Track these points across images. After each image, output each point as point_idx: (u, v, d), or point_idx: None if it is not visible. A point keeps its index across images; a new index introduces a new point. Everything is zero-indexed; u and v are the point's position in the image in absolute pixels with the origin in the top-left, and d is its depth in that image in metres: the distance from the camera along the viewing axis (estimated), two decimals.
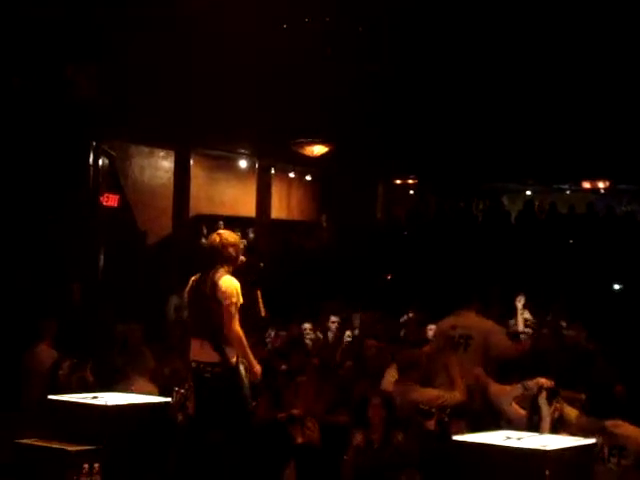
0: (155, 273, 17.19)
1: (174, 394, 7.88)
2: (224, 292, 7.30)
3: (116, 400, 7.39)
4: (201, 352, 7.39)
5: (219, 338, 7.30)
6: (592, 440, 6.45)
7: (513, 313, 11.37)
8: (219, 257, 7.47)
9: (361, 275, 17.74)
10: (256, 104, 15.71)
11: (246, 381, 7.39)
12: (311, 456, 8.29)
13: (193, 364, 7.45)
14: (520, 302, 11.44)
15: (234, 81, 15.02)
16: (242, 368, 7.39)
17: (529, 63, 14.55)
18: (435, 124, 17.30)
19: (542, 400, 7.26)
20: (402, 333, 12.31)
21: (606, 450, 6.87)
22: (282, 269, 18.82)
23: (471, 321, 9.28)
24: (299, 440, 8.44)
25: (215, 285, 7.34)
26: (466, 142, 18.30)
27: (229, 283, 7.34)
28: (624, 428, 6.87)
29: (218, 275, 7.38)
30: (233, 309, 7.29)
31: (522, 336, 10.74)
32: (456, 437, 6.26)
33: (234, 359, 7.34)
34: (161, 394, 8.18)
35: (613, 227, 18.93)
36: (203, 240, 19.19)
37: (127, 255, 17.01)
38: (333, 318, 13.11)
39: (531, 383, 7.34)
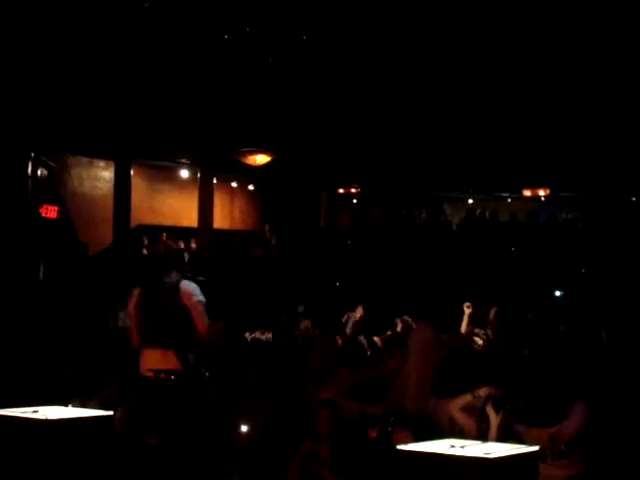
0: (96, 285, 17.01)
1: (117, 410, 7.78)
2: (190, 293, 7.25)
3: (56, 414, 7.26)
4: (161, 361, 7.30)
5: (183, 344, 7.23)
6: (536, 447, 6.46)
7: (460, 320, 11.47)
8: (170, 264, 7.41)
9: (307, 283, 17.73)
10: (197, 113, 15.62)
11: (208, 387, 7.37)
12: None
13: (147, 374, 7.34)
14: (468, 309, 11.56)
15: (175, 90, 14.93)
16: (206, 373, 7.36)
17: (468, 72, 14.63)
18: (378, 133, 17.35)
19: (489, 408, 7.28)
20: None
21: (549, 454, 6.95)
22: (226, 279, 18.72)
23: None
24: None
25: (176, 289, 7.27)
26: (408, 151, 18.37)
27: (191, 284, 7.30)
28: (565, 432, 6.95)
29: (175, 280, 7.32)
30: (203, 307, 7.26)
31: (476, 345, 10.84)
32: (399, 446, 6.23)
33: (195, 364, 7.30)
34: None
35: (555, 234, 19.11)
36: (144, 251, 19.07)
37: (67, 267, 16.81)
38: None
39: (480, 391, 7.36)
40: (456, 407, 7.57)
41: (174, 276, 7.36)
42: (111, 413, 7.54)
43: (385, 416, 8.06)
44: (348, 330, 12.54)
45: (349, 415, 8.20)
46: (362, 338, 11.82)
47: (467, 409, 7.48)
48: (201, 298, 7.31)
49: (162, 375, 7.26)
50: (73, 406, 7.85)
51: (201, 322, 7.25)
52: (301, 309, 13.54)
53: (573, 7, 11.36)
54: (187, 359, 7.23)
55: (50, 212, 17.31)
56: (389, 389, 8.81)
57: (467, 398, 7.45)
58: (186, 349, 7.25)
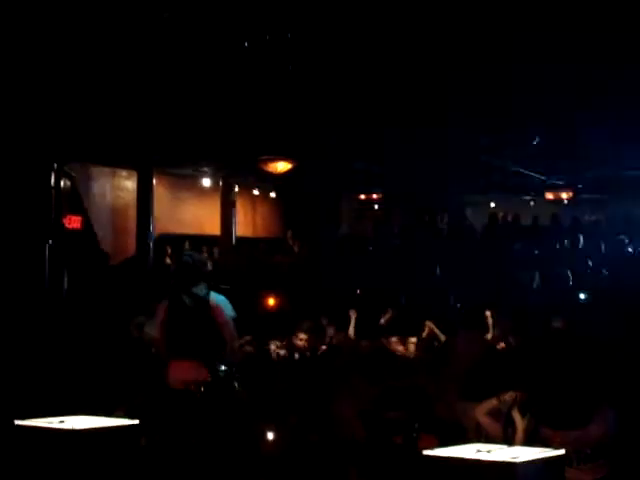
0: (119, 294, 17.07)
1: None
2: (222, 309, 7.27)
3: (83, 424, 7.29)
4: (190, 372, 7.32)
5: (212, 356, 7.25)
6: (562, 451, 6.44)
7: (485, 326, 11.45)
8: (198, 275, 7.43)
9: (331, 289, 17.71)
10: (218, 122, 15.65)
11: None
12: None
13: (177, 385, 7.36)
14: (489, 316, 11.56)
15: (196, 99, 14.98)
16: (236, 384, 7.38)
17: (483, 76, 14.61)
18: (399, 139, 17.34)
19: (515, 413, 7.27)
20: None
21: (574, 457, 6.93)
22: (250, 286, 18.72)
23: None
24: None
25: (205, 302, 7.29)
26: (429, 157, 18.35)
27: (220, 298, 7.32)
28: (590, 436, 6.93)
29: (204, 292, 7.33)
30: (233, 323, 7.29)
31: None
32: (426, 451, 6.22)
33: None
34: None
35: (579, 236, 19.04)
36: (167, 260, 19.11)
37: (91, 277, 16.88)
38: (301, 335, 13.04)
39: (506, 396, 7.35)
40: (482, 411, 7.56)
41: (202, 288, 7.37)
42: (137, 422, 7.57)
43: (409, 421, 8.06)
44: (350, 330, 12.54)
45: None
46: (393, 341, 11.73)
47: (493, 413, 7.47)
48: (231, 314, 7.33)
49: (192, 387, 7.28)
50: (109, 415, 7.86)
51: (231, 337, 7.27)
52: (325, 321, 13.51)
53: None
54: (216, 370, 7.25)
55: (73, 222, 17.39)
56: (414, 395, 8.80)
57: (493, 402, 7.45)
58: (215, 360, 7.27)
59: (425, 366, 10.04)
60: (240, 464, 7.95)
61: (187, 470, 7.46)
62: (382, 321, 12.87)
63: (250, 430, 8.58)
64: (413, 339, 11.46)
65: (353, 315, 12.57)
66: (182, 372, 7.37)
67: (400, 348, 11.32)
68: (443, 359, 10.27)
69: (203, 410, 7.35)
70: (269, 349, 12.13)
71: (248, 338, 12.31)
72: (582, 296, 16.45)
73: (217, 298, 7.37)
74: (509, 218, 21.65)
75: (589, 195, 23.17)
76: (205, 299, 7.31)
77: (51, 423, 7.22)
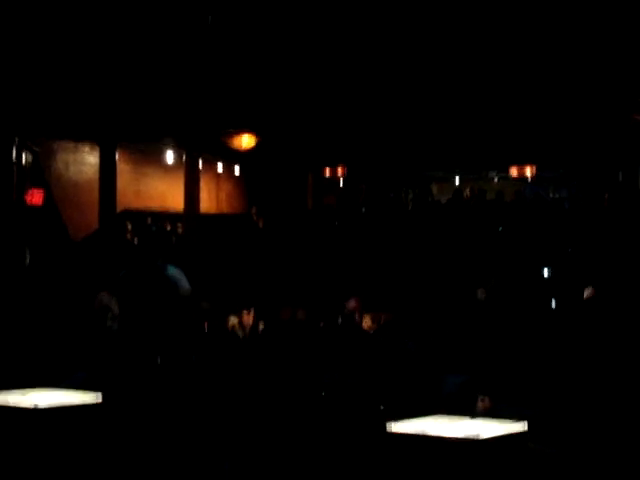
0: (82, 269, 16.96)
1: None
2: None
3: (44, 400, 7.21)
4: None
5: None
6: (524, 425, 6.47)
7: None
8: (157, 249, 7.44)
9: (296, 266, 17.68)
10: (182, 96, 15.53)
11: None
12: None
13: None
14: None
15: (159, 73, 14.85)
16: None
17: (452, 50, 14.58)
18: (363, 113, 17.29)
19: None
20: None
21: None
22: (215, 264, 18.66)
23: None
24: None
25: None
26: (394, 131, 18.32)
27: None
28: None
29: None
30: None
31: None
32: (390, 425, 6.19)
33: None
34: None
35: (541, 213, 19.11)
36: (128, 235, 18.98)
37: (53, 252, 16.74)
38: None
39: None
40: None
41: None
42: (99, 400, 7.52)
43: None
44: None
45: None
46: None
47: None
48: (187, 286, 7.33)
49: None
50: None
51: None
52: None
53: None
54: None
55: (35, 197, 17.23)
56: None
57: None
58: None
59: None
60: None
61: (148, 444, 7.43)
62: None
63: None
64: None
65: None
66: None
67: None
68: None
69: (164, 380, 7.33)
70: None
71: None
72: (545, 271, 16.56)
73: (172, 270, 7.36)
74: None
75: (552, 173, 23.27)
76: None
77: (13, 397, 7.15)
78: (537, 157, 20.49)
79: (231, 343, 10.67)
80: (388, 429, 6.06)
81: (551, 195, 23.03)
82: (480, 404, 7.46)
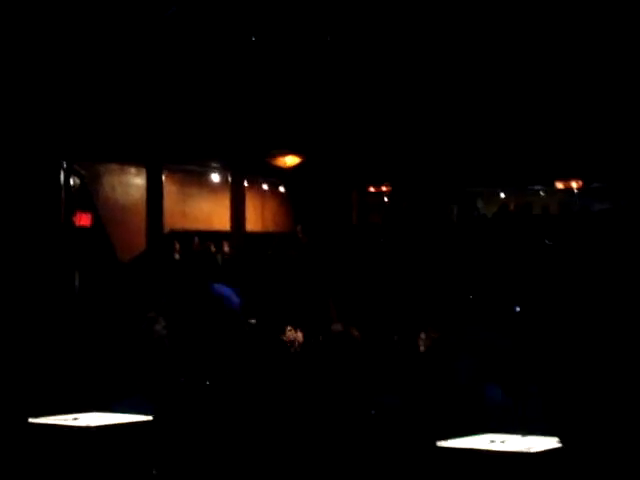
0: (130, 291, 17.08)
1: None
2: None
3: (96, 421, 7.30)
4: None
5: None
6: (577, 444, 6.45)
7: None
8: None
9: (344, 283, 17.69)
10: (227, 117, 15.63)
11: None
12: None
13: None
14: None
15: (205, 95, 14.97)
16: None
17: (498, 67, 14.57)
18: (408, 131, 17.30)
19: None
20: None
21: None
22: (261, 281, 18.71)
23: None
24: None
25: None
26: (438, 148, 18.30)
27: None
28: None
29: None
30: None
31: None
32: (440, 443, 6.22)
33: None
34: None
35: (588, 225, 18.97)
36: (176, 256, 19.10)
37: (102, 274, 16.88)
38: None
39: None
40: None
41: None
42: (150, 418, 7.57)
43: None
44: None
45: None
46: None
47: None
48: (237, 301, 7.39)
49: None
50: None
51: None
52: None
53: None
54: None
55: (83, 220, 17.39)
56: None
57: None
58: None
59: None
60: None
61: (198, 463, 7.47)
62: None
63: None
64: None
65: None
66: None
67: None
68: None
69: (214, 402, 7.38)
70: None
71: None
72: None
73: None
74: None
75: (599, 184, 23.11)
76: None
77: (65, 420, 7.23)
78: (582, 172, 20.38)
79: (282, 359, 10.72)
80: (437, 445, 6.09)
81: (597, 207, 22.83)
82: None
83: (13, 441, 8.19)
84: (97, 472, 6.87)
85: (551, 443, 6.19)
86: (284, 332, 11.05)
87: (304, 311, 14.21)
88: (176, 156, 19.43)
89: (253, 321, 12.50)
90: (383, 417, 8.06)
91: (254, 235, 22.59)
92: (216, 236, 21.02)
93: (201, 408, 7.67)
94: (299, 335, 11.42)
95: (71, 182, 16.49)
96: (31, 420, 7.38)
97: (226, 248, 21.05)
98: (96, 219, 18.06)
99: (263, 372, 10.01)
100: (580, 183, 21.12)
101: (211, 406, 7.69)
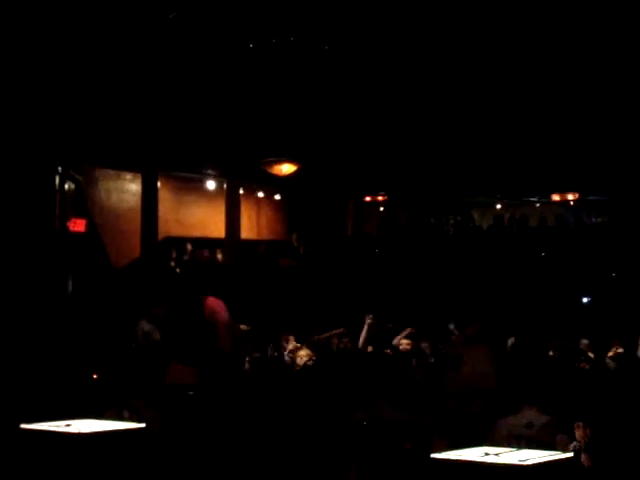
0: (124, 297, 17.05)
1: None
2: (214, 309, 7.28)
3: (89, 428, 7.24)
4: (183, 376, 7.34)
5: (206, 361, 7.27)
6: (570, 454, 6.41)
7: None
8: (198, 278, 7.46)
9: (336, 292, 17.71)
10: (222, 125, 15.62)
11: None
12: None
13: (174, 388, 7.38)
14: None
15: (200, 102, 14.95)
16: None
17: (496, 78, 14.56)
18: (404, 140, 17.30)
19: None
20: None
21: None
22: (256, 289, 18.71)
23: None
24: None
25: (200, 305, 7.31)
26: (435, 158, 18.31)
27: (216, 300, 7.32)
28: None
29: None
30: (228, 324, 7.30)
31: None
32: (435, 455, 6.18)
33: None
34: None
35: (583, 239, 19.00)
36: (172, 263, 19.09)
37: (96, 280, 16.85)
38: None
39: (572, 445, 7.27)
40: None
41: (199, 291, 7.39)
42: (143, 425, 7.53)
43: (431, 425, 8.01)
44: (361, 340, 12.27)
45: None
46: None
47: None
48: (225, 315, 7.33)
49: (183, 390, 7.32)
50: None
51: (225, 339, 7.27)
52: (341, 330, 13.41)
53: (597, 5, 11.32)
54: (209, 375, 7.27)
55: (78, 225, 17.35)
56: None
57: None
58: (208, 365, 7.28)
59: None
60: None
61: (188, 472, 7.44)
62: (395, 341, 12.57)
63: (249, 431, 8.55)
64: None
65: (368, 320, 12.31)
66: (176, 375, 7.40)
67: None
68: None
69: (200, 413, 7.35)
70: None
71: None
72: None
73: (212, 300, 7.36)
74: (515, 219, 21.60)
75: (596, 197, 23.12)
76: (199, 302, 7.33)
77: (57, 427, 7.18)
78: (580, 185, 20.38)
79: (278, 370, 10.68)
80: (431, 457, 6.05)
81: (593, 220, 22.86)
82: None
83: (4, 447, 8.15)
84: (89, 479, 6.82)
85: (545, 456, 6.16)
86: (280, 340, 11.03)
87: (299, 319, 14.22)
88: (172, 163, 19.41)
89: (244, 327, 12.49)
90: (379, 428, 8.01)
91: (249, 242, 22.59)
92: (211, 243, 21.02)
93: (193, 415, 7.63)
94: (303, 353, 11.41)
95: (66, 187, 16.45)
96: (23, 426, 7.32)
97: (219, 255, 21.03)
98: (90, 225, 18.03)
99: (258, 379, 9.99)
100: (577, 195, 21.12)
101: (204, 413, 7.66)
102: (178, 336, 7.53)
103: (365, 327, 12.15)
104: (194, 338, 7.38)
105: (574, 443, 7.23)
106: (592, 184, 20.26)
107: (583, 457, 7.16)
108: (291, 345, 12.40)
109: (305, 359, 11.28)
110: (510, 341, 12.12)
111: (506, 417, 7.81)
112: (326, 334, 13.14)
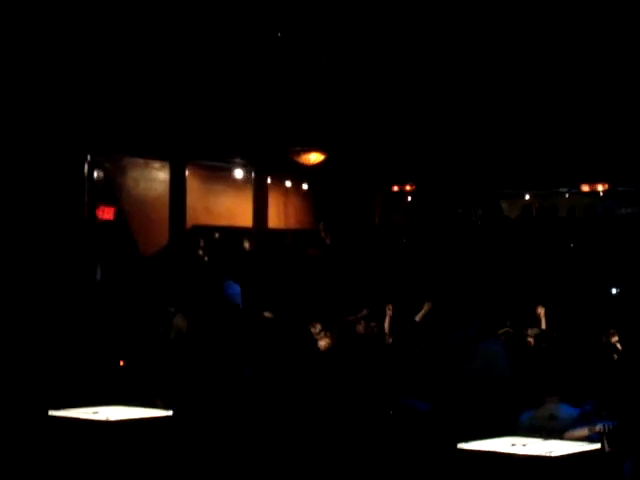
0: (152, 285, 17.10)
1: None
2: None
3: (116, 415, 7.28)
4: None
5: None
6: (597, 445, 6.38)
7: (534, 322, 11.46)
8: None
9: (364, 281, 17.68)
10: (251, 114, 15.63)
11: None
12: None
13: None
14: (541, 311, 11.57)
15: (229, 91, 14.97)
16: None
17: (525, 67, 14.50)
18: (432, 130, 17.25)
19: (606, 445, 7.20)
20: None
21: None
22: (283, 278, 18.71)
23: None
24: None
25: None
26: (463, 148, 18.24)
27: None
28: None
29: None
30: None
31: None
32: (461, 445, 6.17)
33: None
34: None
35: (613, 229, 18.87)
36: (200, 252, 19.11)
37: (124, 268, 16.91)
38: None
39: (597, 427, 7.24)
40: (571, 439, 7.44)
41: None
42: (170, 413, 7.55)
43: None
44: (386, 327, 12.47)
45: None
46: None
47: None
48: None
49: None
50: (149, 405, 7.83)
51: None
52: (365, 312, 13.45)
53: None
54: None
55: (107, 213, 17.42)
56: None
57: (584, 432, 7.30)
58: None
59: None
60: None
61: (218, 461, 7.46)
62: (417, 318, 12.76)
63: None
64: None
65: (389, 310, 12.49)
66: None
67: None
68: None
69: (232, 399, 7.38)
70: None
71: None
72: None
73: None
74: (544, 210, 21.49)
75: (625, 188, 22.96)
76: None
77: (85, 414, 7.22)
78: (609, 175, 20.24)
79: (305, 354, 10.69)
80: (458, 447, 6.04)
81: (623, 210, 22.68)
82: None
83: (33, 433, 8.21)
84: (116, 466, 6.86)
85: (572, 447, 6.14)
86: (309, 328, 11.04)
87: (326, 308, 14.22)
88: (200, 152, 19.44)
89: (268, 314, 12.51)
90: (407, 419, 8.01)
91: (276, 232, 22.59)
92: (238, 232, 21.03)
93: (221, 404, 7.66)
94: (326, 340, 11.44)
95: (95, 175, 16.51)
96: (51, 413, 7.37)
97: (246, 244, 21.03)
98: (119, 213, 18.08)
99: (284, 366, 10.00)
100: (606, 186, 20.98)
101: (230, 402, 7.68)
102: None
103: (387, 318, 12.39)
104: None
105: (598, 426, 7.22)
106: (622, 174, 20.11)
107: (605, 445, 7.13)
108: (317, 331, 12.43)
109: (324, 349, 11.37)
110: (531, 332, 12.06)
111: (528, 410, 7.81)
112: (352, 317, 13.22)
